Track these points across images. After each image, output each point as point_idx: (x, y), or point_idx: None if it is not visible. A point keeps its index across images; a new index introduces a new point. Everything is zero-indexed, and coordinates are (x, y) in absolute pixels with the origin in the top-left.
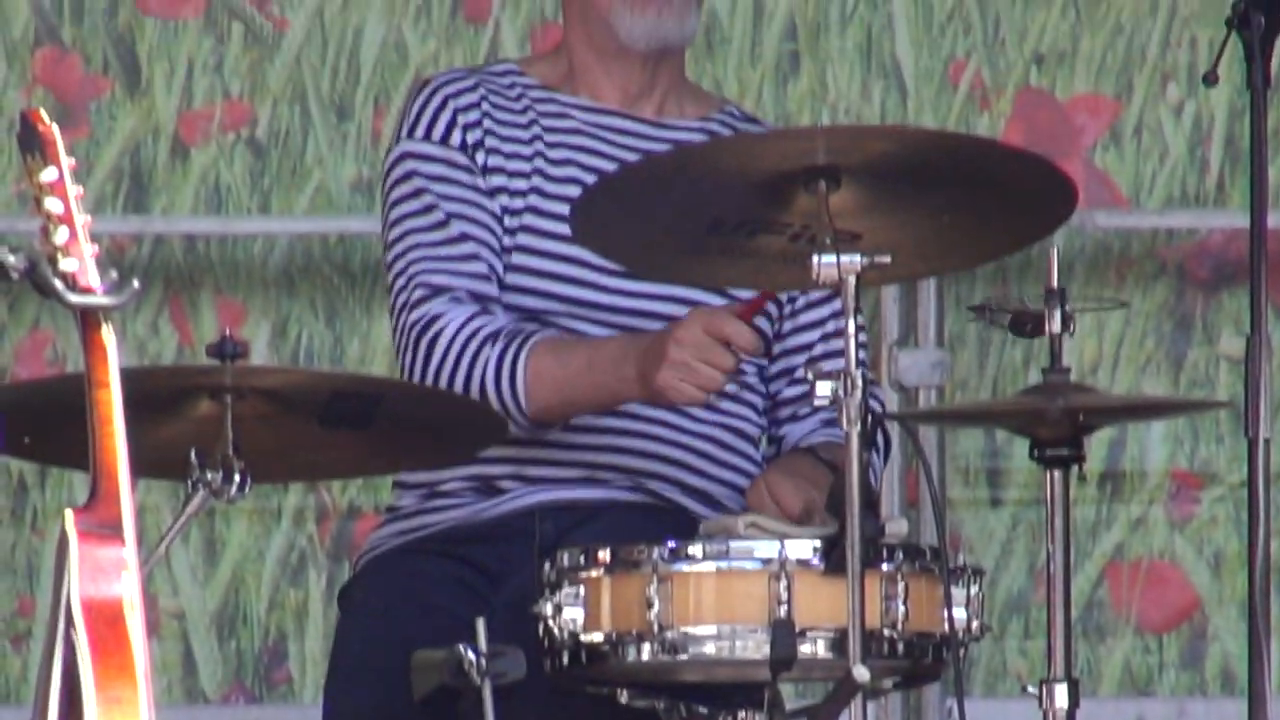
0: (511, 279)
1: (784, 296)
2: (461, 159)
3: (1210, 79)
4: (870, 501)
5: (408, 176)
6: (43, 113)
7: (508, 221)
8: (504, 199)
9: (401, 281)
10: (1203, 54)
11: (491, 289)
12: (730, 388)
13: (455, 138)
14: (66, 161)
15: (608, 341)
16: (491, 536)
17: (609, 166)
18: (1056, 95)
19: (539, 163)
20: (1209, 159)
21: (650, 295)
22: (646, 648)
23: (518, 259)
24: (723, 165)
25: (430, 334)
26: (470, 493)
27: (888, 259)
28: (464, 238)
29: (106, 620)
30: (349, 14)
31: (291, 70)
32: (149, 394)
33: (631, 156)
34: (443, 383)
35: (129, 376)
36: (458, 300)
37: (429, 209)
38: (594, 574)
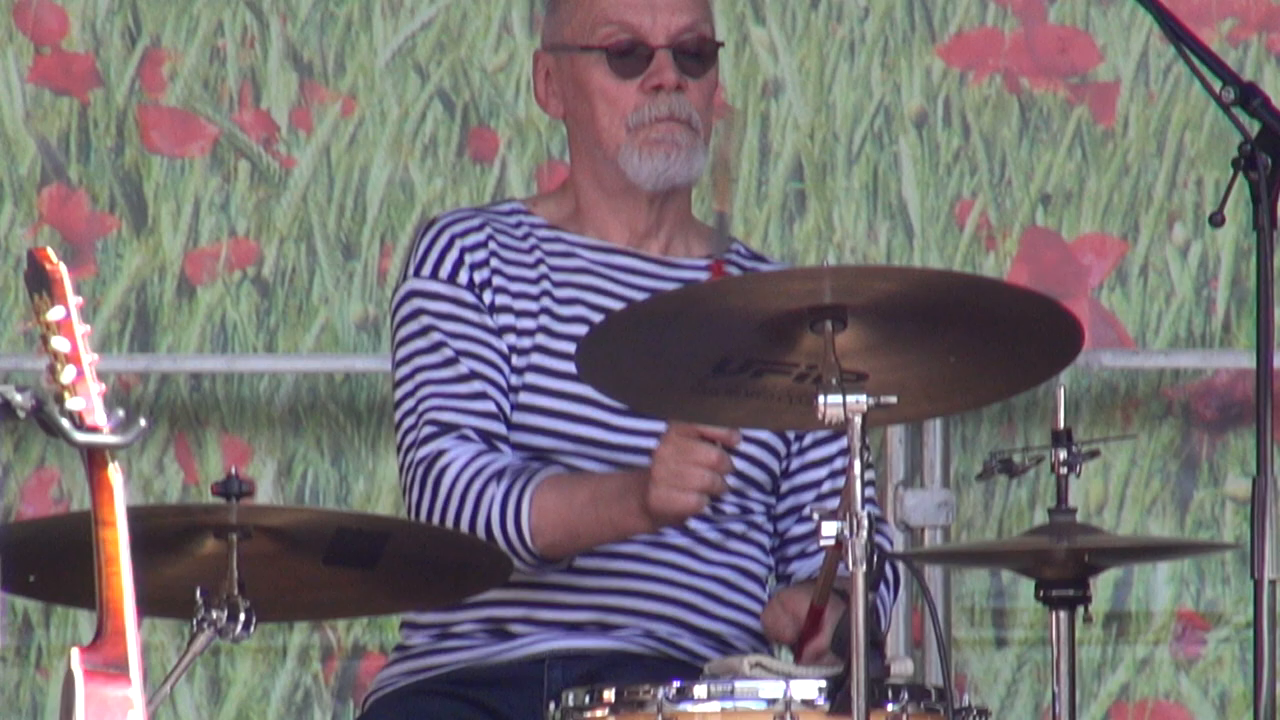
0: (520, 418)
1: (791, 434)
2: (469, 297)
3: (1217, 220)
4: (875, 641)
5: (415, 314)
6: (50, 251)
7: (515, 360)
8: (511, 338)
9: (410, 420)
10: (1209, 194)
11: (499, 426)
12: (738, 526)
13: (463, 276)
14: (74, 300)
15: (611, 476)
16: (501, 680)
17: (616, 305)
18: (1063, 235)
19: (546, 302)
20: (1215, 299)
21: (658, 434)
22: None
23: (526, 398)
24: (729, 304)
25: (436, 471)
26: (482, 635)
27: (894, 399)
28: (472, 375)
29: None
30: (355, 153)
31: (298, 209)
32: (154, 532)
33: (638, 295)
34: (449, 520)
35: (135, 515)
36: (465, 438)
37: (437, 346)
38: (599, 713)
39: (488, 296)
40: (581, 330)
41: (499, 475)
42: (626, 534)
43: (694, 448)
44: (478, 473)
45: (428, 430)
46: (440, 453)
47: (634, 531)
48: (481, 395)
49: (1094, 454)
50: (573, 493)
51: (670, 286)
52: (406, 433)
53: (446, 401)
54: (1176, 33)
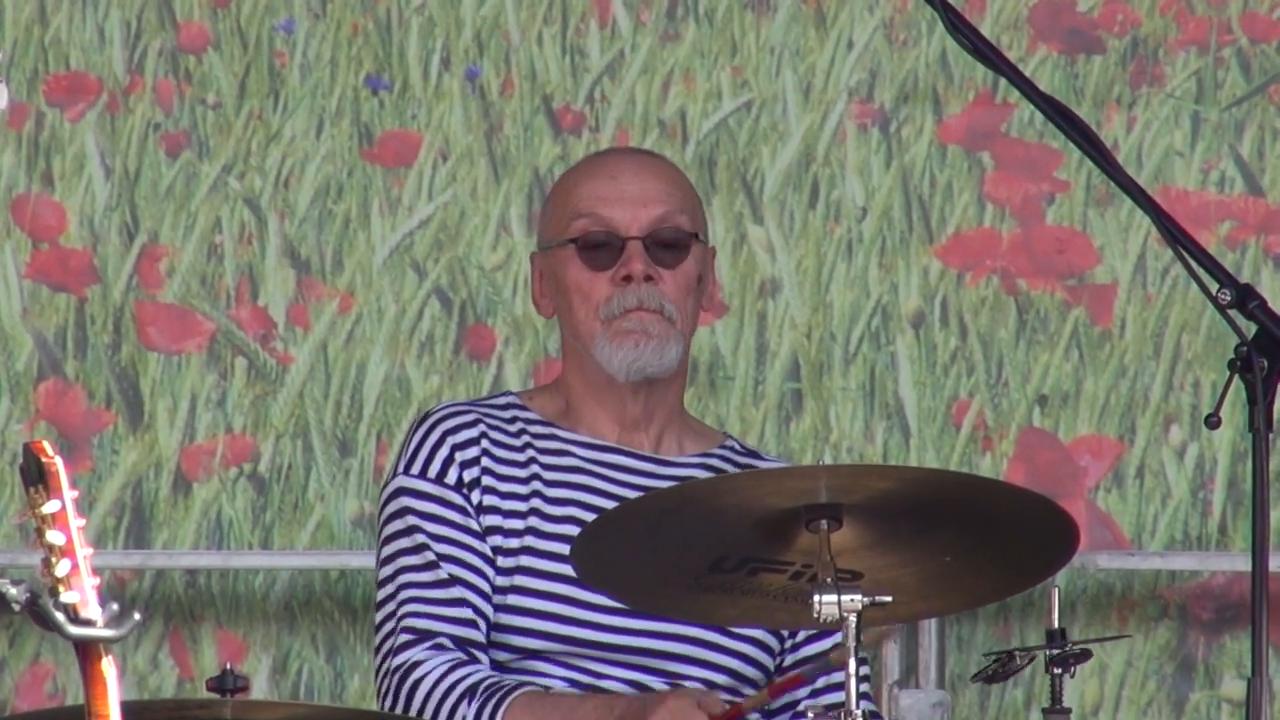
0: (509, 619)
1: (785, 631)
2: (456, 498)
3: (1213, 422)
4: None
5: (402, 513)
6: (46, 445)
7: (502, 561)
8: (497, 539)
9: (389, 625)
10: (1206, 396)
11: (476, 634)
12: None
13: (451, 475)
14: (69, 493)
15: (584, 702)
16: None
17: (608, 504)
18: (1059, 436)
19: (535, 501)
20: (1211, 501)
21: (651, 633)
22: None
23: (514, 599)
24: (725, 503)
25: (410, 682)
26: None
27: (889, 598)
28: (452, 581)
29: None
30: (352, 350)
31: (295, 405)
32: None
33: (631, 493)
34: None
35: (129, 710)
36: (440, 647)
37: (420, 549)
38: None
39: (476, 496)
40: (573, 529)
41: (471, 692)
42: None
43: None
44: (450, 688)
45: (404, 638)
46: (415, 664)
47: None
48: (461, 602)
49: (1086, 654)
50: (545, 715)
51: (663, 484)
52: (385, 637)
53: (425, 607)
54: (1174, 234)
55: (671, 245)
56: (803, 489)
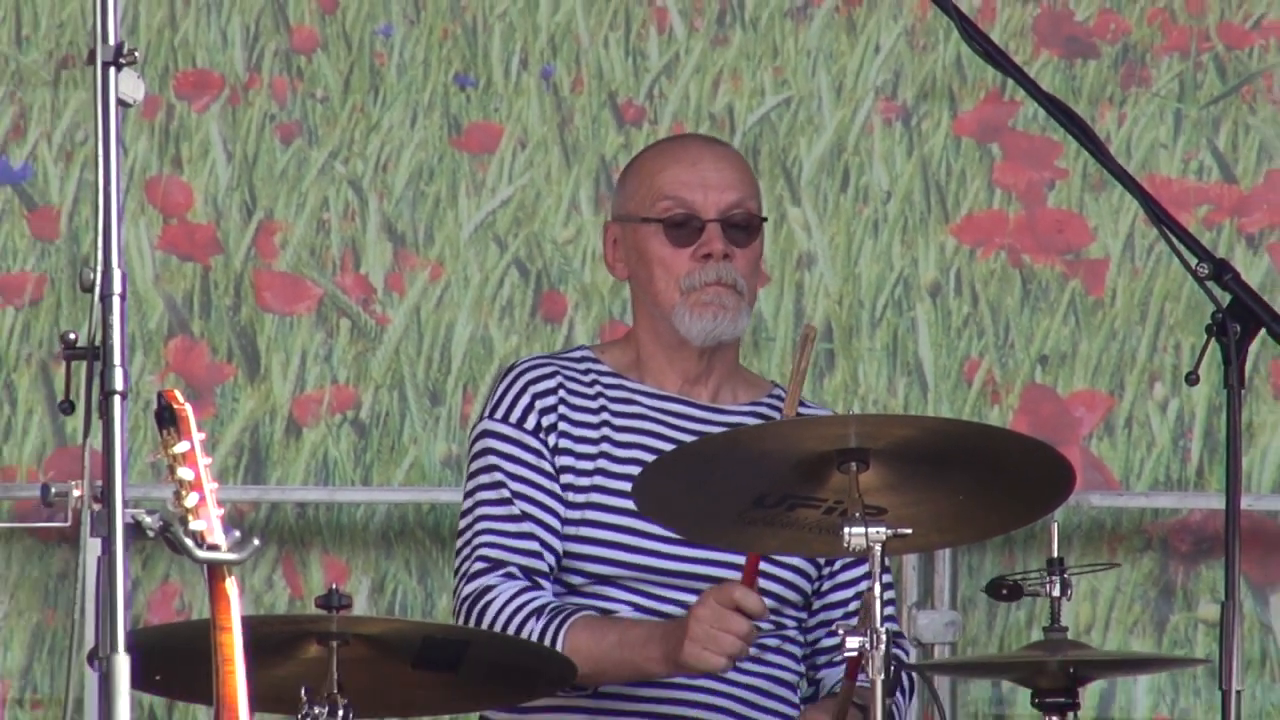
0: (580, 549)
1: (821, 560)
2: (533, 442)
3: (1192, 379)
4: None
5: (484, 454)
6: (177, 393)
7: (573, 497)
8: (570, 477)
9: (466, 553)
10: (1185, 357)
11: (541, 564)
12: (772, 640)
13: (530, 421)
14: (197, 436)
15: (638, 624)
16: None
17: (668, 446)
18: (1058, 391)
19: (605, 445)
20: (1190, 448)
21: (703, 560)
22: None
23: (585, 531)
24: (767, 447)
25: (481, 605)
26: None
27: (909, 531)
28: (523, 516)
29: None
30: (441, 313)
31: (391, 360)
32: (265, 639)
33: (688, 438)
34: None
35: (248, 623)
36: (510, 575)
37: (497, 485)
38: None
39: (552, 439)
40: (635, 469)
41: (538, 613)
42: (645, 677)
43: (729, 617)
44: (518, 609)
45: (478, 565)
46: (487, 588)
47: (652, 675)
48: (529, 535)
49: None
50: (602, 635)
51: (716, 429)
52: (461, 564)
53: (497, 539)
54: (1158, 216)
55: (744, 227)
56: (835, 435)
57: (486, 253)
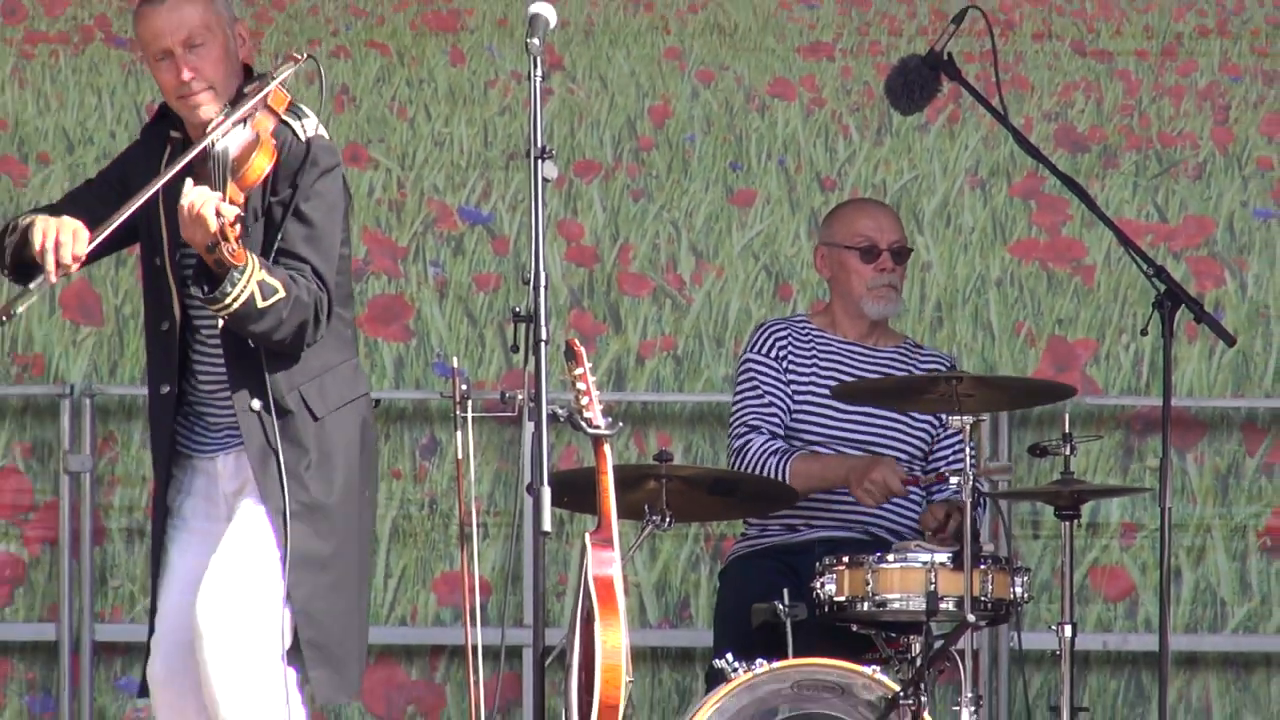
0: (798, 420)
1: (936, 431)
2: (773, 363)
3: (1144, 332)
4: (975, 534)
5: (746, 369)
6: (575, 340)
7: (797, 395)
8: (794, 385)
9: (735, 422)
10: (1139, 320)
11: (779, 430)
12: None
13: (772, 353)
14: (588, 365)
15: (829, 459)
16: (793, 550)
17: (846, 369)
18: (1067, 339)
19: (814, 365)
20: (1142, 371)
21: (855, 432)
22: (865, 604)
23: (799, 417)
24: (911, 380)
25: (743, 450)
26: (783, 529)
27: (985, 418)
28: (771, 404)
29: (604, 585)
30: (723, 295)
31: (694, 323)
32: (624, 478)
33: (857, 364)
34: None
35: (616, 470)
36: (760, 433)
37: (754, 386)
38: (839, 567)
39: (783, 364)
40: (830, 381)
41: (775, 453)
42: (838, 488)
43: (887, 491)
44: (764, 451)
45: (741, 429)
46: (748, 441)
47: (842, 488)
48: (773, 415)
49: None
50: (810, 464)
51: (874, 358)
52: (732, 429)
53: (753, 414)
54: (1125, 240)
55: (902, 253)
56: (945, 381)
57: (749, 261)
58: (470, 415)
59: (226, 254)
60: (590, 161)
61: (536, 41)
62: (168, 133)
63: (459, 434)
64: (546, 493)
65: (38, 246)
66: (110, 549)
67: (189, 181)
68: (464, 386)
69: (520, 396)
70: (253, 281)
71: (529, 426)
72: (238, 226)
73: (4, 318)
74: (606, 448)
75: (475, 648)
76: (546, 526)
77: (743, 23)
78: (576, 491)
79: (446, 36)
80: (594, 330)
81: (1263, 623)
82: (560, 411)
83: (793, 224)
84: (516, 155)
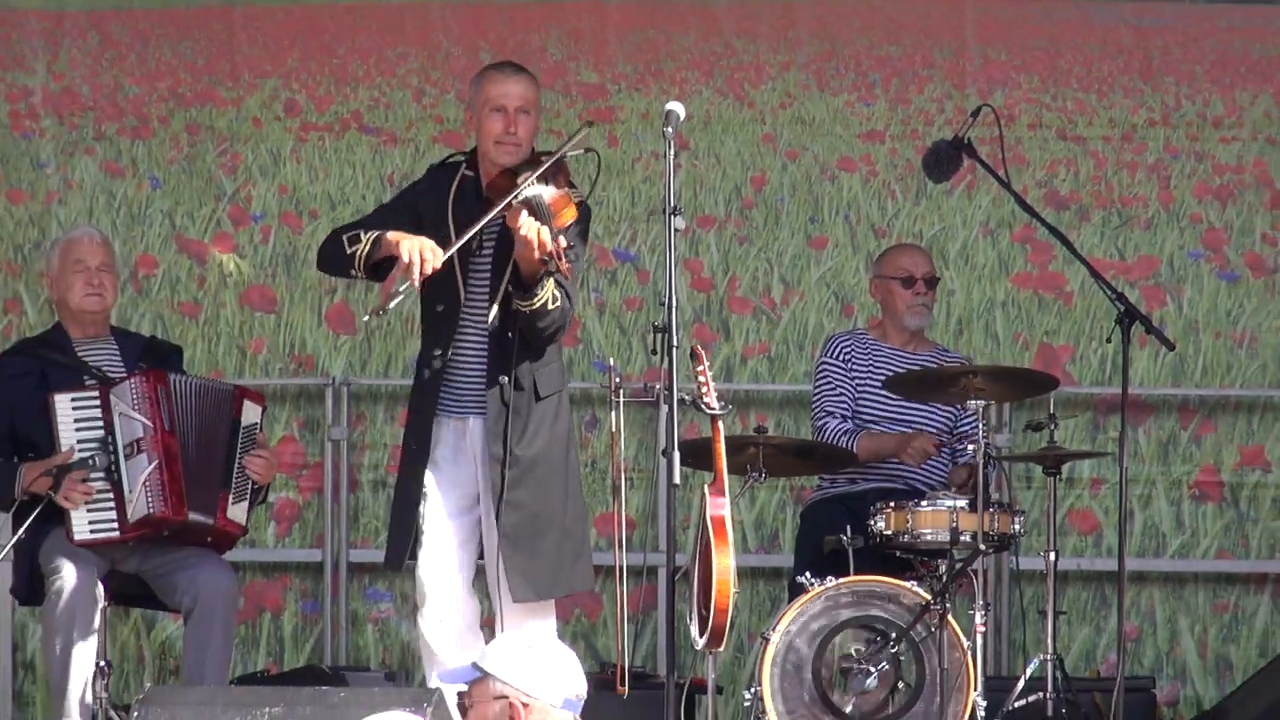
0: (858, 408)
1: (960, 408)
2: (842, 366)
3: (1109, 341)
4: (985, 485)
5: (822, 370)
6: (698, 345)
7: (858, 387)
8: (856, 380)
9: (816, 408)
10: (1105, 330)
11: (847, 412)
12: (936, 450)
13: (840, 358)
14: (707, 363)
15: (886, 437)
16: (854, 498)
17: (895, 366)
18: (1053, 345)
19: (870, 368)
20: (1106, 368)
21: (911, 416)
22: (906, 536)
23: (861, 403)
24: (941, 374)
25: (822, 429)
26: (846, 482)
27: (992, 403)
28: (841, 395)
29: (717, 522)
30: (803, 316)
31: (784, 336)
32: (732, 445)
33: (903, 362)
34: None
35: (727, 440)
36: (834, 417)
37: (830, 383)
38: (888, 510)
39: (848, 365)
40: (883, 376)
41: (845, 432)
42: (886, 458)
43: (928, 447)
44: (839, 432)
45: (821, 415)
46: (825, 423)
47: (890, 457)
48: (842, 401)
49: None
50: (872, 442)
51: (915, 361)
52: (814, 412)
53: (830, 403)
54: (1095, 273)
55: (932, 282)
56: (963, 374)
57: (822, 289)
58: (621, 400)
59: (554, 267)
60: (708, 216)
61: (670, 130)
62: (458, 173)
63: (613, 413)
64: (676, 456)
65: (405, 259)
66: (360, 496)
67: (525, 214)
68: (617, 379)
69: (657, 386)
70: (550, 289)
71: (664, 408)
72: (566, 251)
73: (381, 313)
74: (719, 424)
75: (623, 567)
76: (676, 480)
77: (818, 116)
78: (697, 455)
79: (604, 126)
80: (710, 338)
81: (1192, 550)
82: (686, 397)
83: (854, 262)
84: (655, 212)
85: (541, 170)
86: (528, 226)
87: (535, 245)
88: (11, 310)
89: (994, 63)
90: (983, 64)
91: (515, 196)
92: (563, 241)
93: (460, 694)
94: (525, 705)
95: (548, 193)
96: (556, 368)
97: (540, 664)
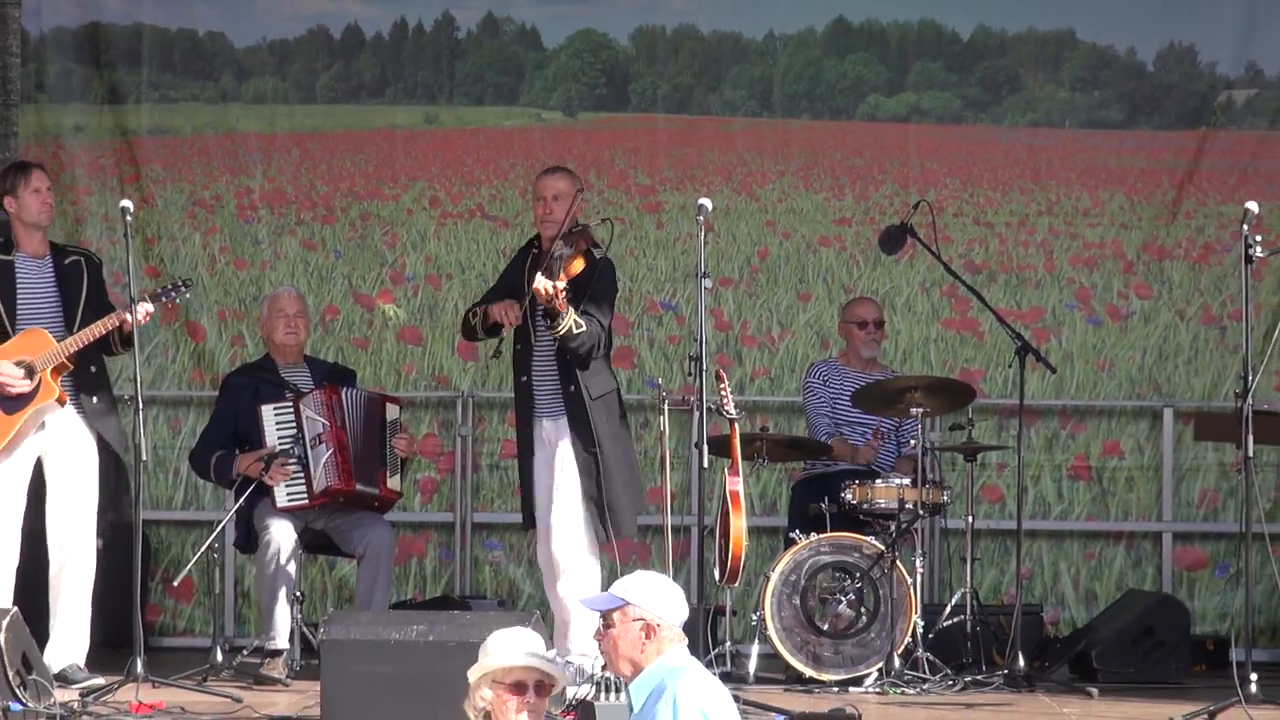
0: (835, 415)
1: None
2: (822, 385)
3: (1013, 364)
4: (923, 469)
5: (809, 388)
6: (721, 370)
7: (830, 397)
8: (832, 394)
9: (810, 416)
10: (1006, 359)
11: (829, 419)
12: (886, 447)
13: (821, 379)
14: (727, 382)
15: (847, 444)
16: (831, 476)
17: (859, 384)
18: (972, 369)
19: (842, 385)
20: (1011, 386)
21: (870, 420)
22: (867, 505)
23: (837, 409)
24: (891, 385)
25: (814, 430)
26: (824, 466)
27: (927, 410)
28: (823, 404)
29: (734, 495)
30: (793, 347)
31: (784, 360)
32: (744, 440)
33: (864, 380)
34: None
35: (740, 436)
36: (824, 419)
37: (818, 396)
38: (855, 485)
39: (826, 384)
40: (851, 389)
41: (826, 435)
42: (850, 456)
43: (869, 456)
44: (822, 434)
45: (815, 417)
46: (817, 425)
47: (852, 459)
48: (825, 411)
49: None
50: (838, 444)
51: (872, 380)
52: (808, 420)
53: (815, 414)
54: (1000, 319)
55: (880, 324)
56: (905, 389)
57: (808, 330)
58: (666, 408)
59: (556, 305)
60: (727, 278)
61: (701, 218)
62: (531, 248)
63: (661, 417)
64: (705, 448)
65: (494, 318)
66: (481, 475)
67: (540, 274)
68: (663, 394)
69: (692, 399)
70: (571, 319)
71: (696, 414)
72: (562, 293)
73: (497, 355)
74: (735, 425)
75: (666, 525)
76: (705, 465)
77: (805, 208)
78: (720, 447)
79: (652, 215)
80: (728, 364)
81: (1069, 514)
82: (712, 406)
83: (830, 310)
84: (690, 275)
85: (567, 233)
86: (538, 281)
87: (541, 293)
88: (236, 344)
89: (929, 170)
90: (921, 171)
91: (550, 256)
92: (560, 286)
93: (603, 615)
94: (657, 626)
95: (566, 252)
96: (604, 375)
97: (666, 594)
